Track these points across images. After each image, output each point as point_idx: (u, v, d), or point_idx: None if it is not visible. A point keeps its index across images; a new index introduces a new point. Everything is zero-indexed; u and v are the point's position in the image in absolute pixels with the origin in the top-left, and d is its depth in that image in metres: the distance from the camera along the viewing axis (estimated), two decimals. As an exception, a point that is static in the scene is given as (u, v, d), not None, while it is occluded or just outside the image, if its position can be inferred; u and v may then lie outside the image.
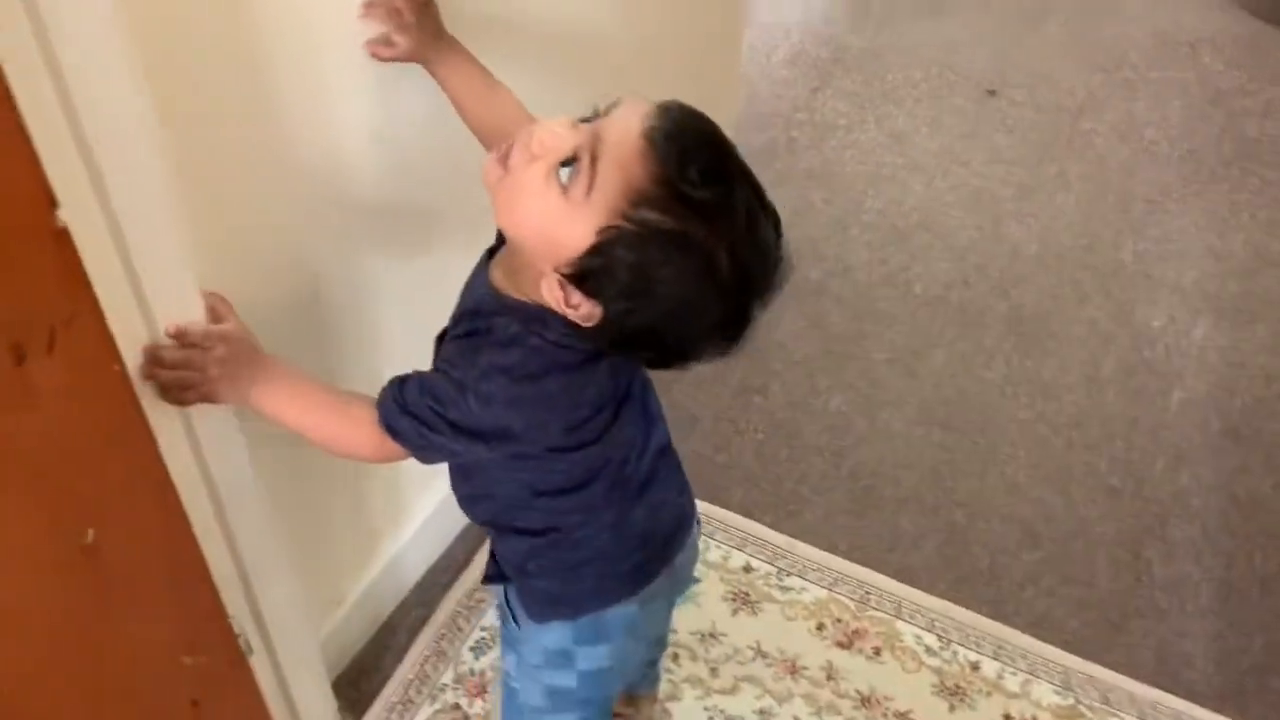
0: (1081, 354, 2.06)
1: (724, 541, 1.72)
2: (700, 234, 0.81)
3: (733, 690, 1.55)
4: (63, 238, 0.67)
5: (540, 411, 0.91)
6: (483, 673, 1.53)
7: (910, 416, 1.95)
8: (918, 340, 2.08)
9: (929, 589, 1.68)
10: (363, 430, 0.92)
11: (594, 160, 0.82)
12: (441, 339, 0.99)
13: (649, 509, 1.06)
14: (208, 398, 0.88)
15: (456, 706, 1.50)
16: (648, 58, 1.78)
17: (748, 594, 1.66)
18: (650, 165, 0.80)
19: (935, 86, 2.70)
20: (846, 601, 1.66)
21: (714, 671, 1.56)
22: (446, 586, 1.64)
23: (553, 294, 0.85)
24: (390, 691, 1.51)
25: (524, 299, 0.90)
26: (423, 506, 1.58)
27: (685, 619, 1.61)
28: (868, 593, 1.67)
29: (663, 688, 1.50)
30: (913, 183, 2.43)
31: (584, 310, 0.85)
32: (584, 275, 0.83)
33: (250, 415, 1.04)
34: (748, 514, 1.78)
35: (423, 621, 1.59)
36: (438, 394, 0.89)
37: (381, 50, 1.07)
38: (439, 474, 1.53)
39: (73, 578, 0.79)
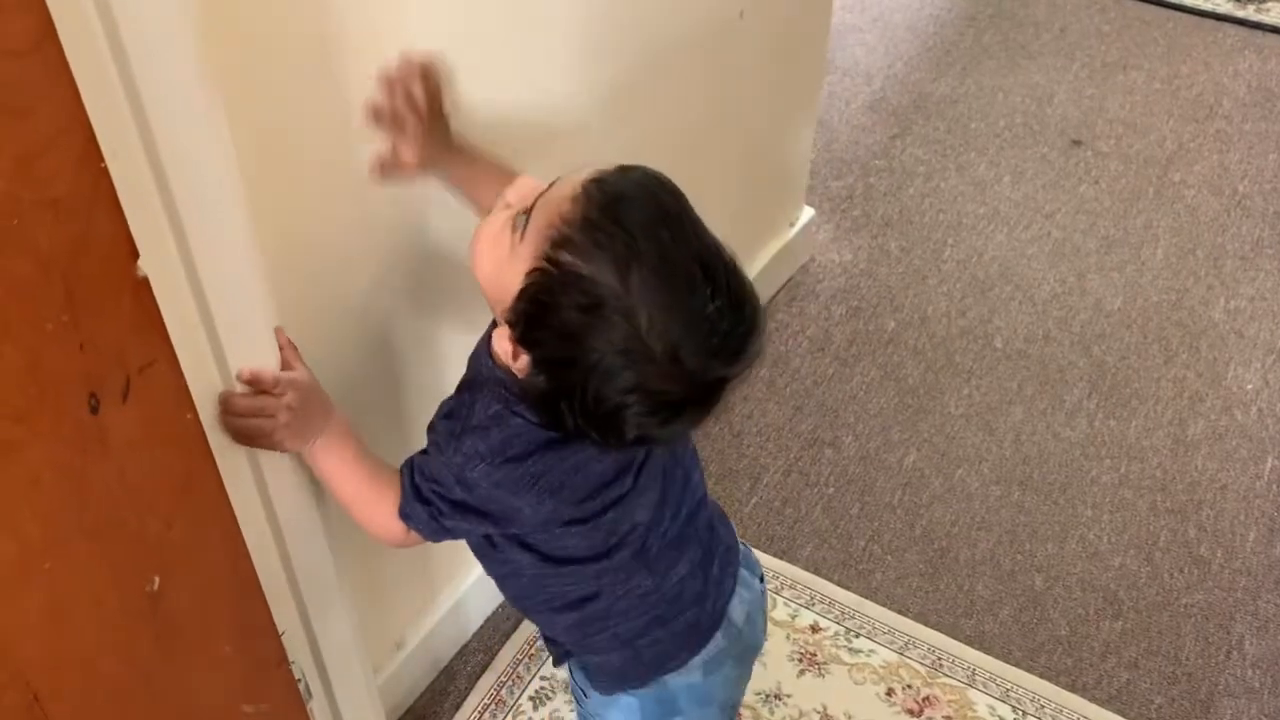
0: (1168, 414, 1.99)
1: (791, 599, 1.68)
2: (612, 284, 0.77)
3: (797, 755, 1.50)
4: (142, 288, 0.68)
5: (531, 493, 0.88)
6: (542, 724, 1.51)
7: (987, 475, 1.89)
8: (996, 396, 2.02)
9: (1004, 657, 1.62)
10: (378, 514, 0.94)
11: (534, 208, 0.82)
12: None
13: (690, 565, 1.02)
14: (274, 445, 0.88)
15: (514, 758, 1.48)
16: (728, 105, 1.77)
17: (815, 654, 1.61)
18: (576, 209, 0.79)
19: (1019, 135, 2.65)
20: (917, 666, 1.60)
21: (778, 734, 1.52)
22: (507, 635, 1.62)
23: (502, 347, 0.85)
24: (448, 739, 1.49)
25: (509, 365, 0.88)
26: (487, 551, 1.57)
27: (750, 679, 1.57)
28: (940, 658, 1.61)
29: (725, 749, 1.46)
30: (994, 233, 2.38)
31: (520, 362, 0.84)
32: (516, 322, 0.82)
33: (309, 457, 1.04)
34: (816, 571, 1.73)
35: (483, 668, 1.58)
36: (437, 476, 0.89)
37: (386, 169, 0.98)
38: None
39: (136, 625, 0.78)
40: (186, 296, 0.73)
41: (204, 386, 0.77)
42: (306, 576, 1.02)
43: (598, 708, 1.08)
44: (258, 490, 0.90)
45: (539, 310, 0.80)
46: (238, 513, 0.86)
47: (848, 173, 2.53)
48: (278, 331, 0.92)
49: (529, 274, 0.80)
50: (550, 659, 1.15)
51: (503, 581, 1.05)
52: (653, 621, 1.01)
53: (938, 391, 2.03)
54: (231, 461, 0.85)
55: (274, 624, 0.95)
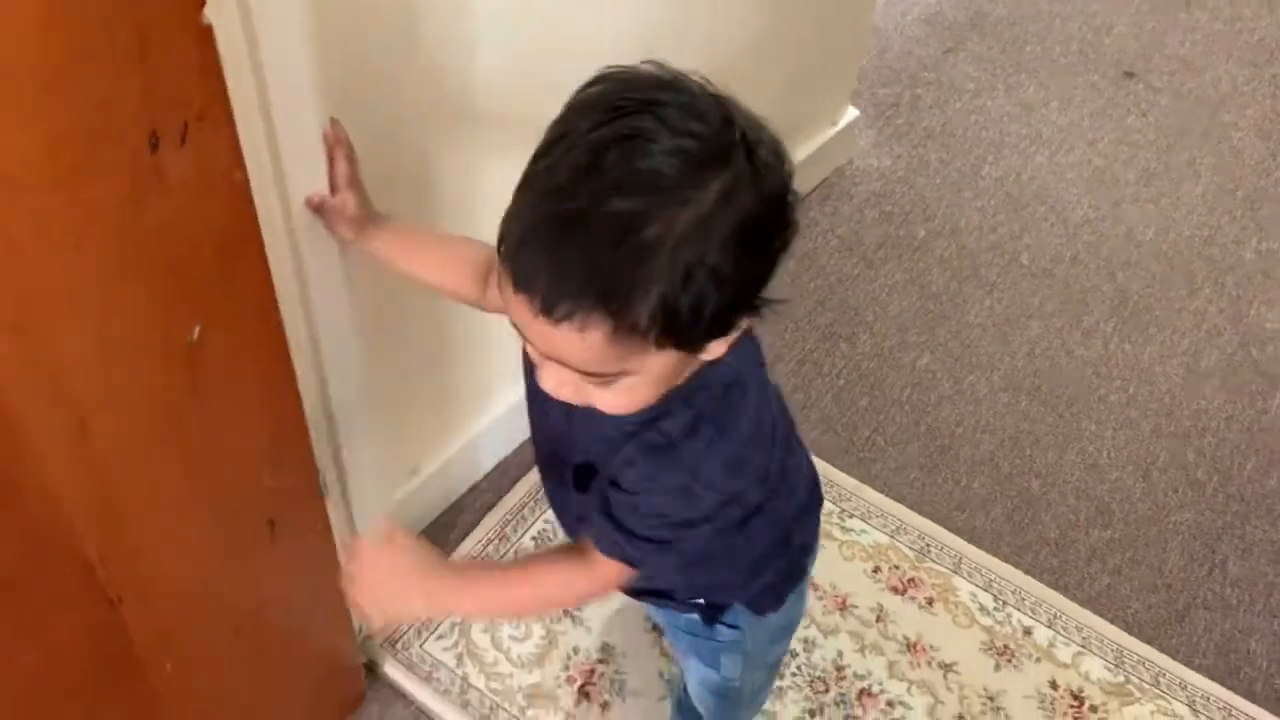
0: (1184, 344, 2.01)
1: (792, 475, 1.73)
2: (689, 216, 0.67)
3: (781, 616, 1.56)
4: (205, 36, 0.71)
5: (754, 453, 0.86)
6: (541, 563, 1.58)
7: (997, 383, 1.92)
8: (1016, 309, 2.05)
9: (992, 551, 1.67)
10: (582, 578, 0.88)
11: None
12: (580, 482, 0.90)
13: (800, 458, 1.04)
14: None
15: (512, 590, 1.55)
16: (779, 8, 1.77)
17: (808, 528, 1.67)
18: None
19: (1072, 62, 2.63)
20: (906, 550, 1.66)
21: (765, 596, 1.58)
22: (515, 479, 1.69)
23: (725, 346, 0.75)
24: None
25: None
26: (505, 399, 1.63)
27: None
28: (929, 545, 1.67)
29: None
30: (1035, 154, 2.37)
31: (713, 348, 0.75)
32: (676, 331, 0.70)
33: (356, 266, 1.09)
34: (817, 454, 1.77)
35: (489, 507, 1.65)
36: (660, 510, 0.83)
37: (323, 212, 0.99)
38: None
39: (176, 372, 0.83)
40: (242, 55, 0.77)
41: (252, 148, 0.81)
42: (333, 368, 1.08)
43: (754, 629, 1.06)
44: (297, 275, 0.94)
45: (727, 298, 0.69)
46: (276, 285, 0.91)
47: (896, 82, 2.52)
48: (333, 124, 0.96)
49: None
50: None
51: (689, 581, 1.01)
52: (802, 510, 1.04)
53: (959, 300, 2.06)
54: (273, 235, 0.89)
55: (300, 402, 1.01)
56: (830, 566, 1.62)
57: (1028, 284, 2.10)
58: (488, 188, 1.30)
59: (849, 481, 1.74)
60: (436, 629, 1.50)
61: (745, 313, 0.72)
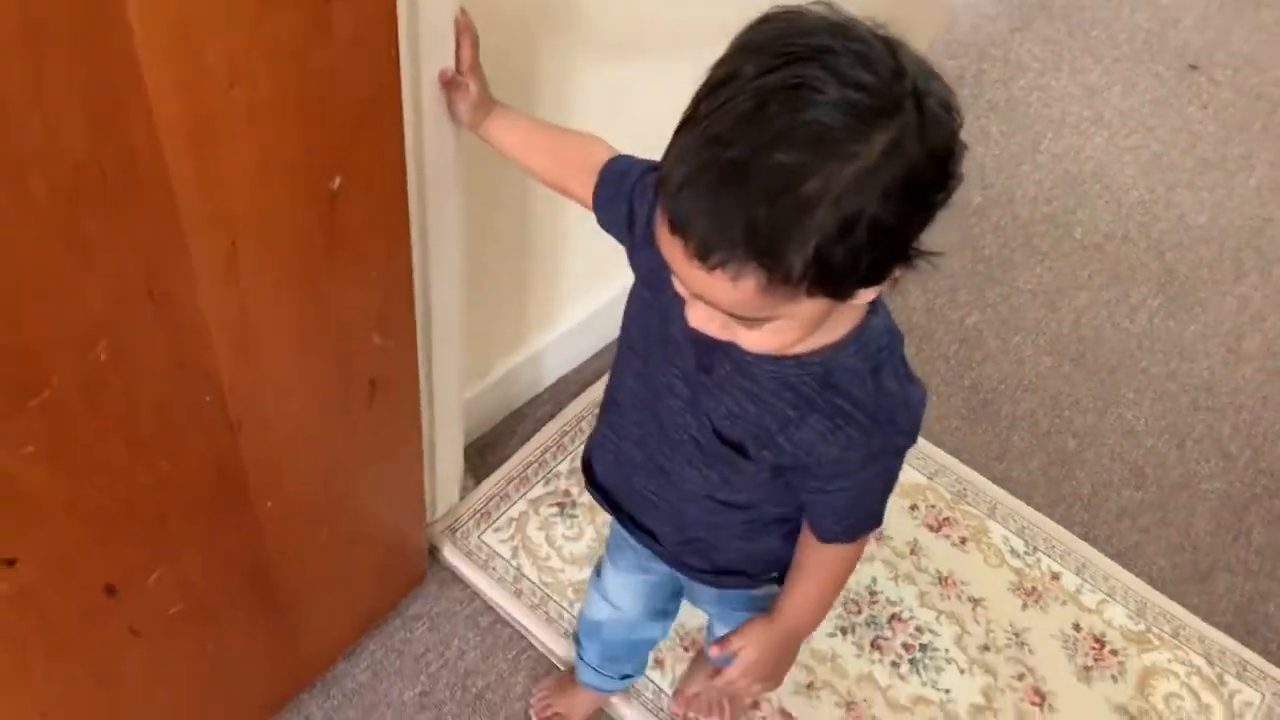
0: (1226, 325, 2.06)
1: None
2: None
3: (820, 541, 1.63)
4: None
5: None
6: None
7: (1042, 346, 1.98)
8: (1065, 280, 2.10)
9: (1025, 500, 1.74)
10: (856, 552, 0.95)
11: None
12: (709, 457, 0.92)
13: None
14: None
15: (566, 493, 1.63)
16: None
17: (851, 464, 1.74)
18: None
19: (1137, 49, 2.67)
20: (943, 491, 1.73)
21: (806, 521, 1.65)
22: (575, 394, 1.76)
23: (866, 299, 0.74)
24: (511, 466, 1.64)
25: (819, 349, 0.79)
26: (574, 314, 1.70)
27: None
28: (965, 489, 1.73)
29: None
30: (1095, 135, 2.42)
31: (864, 295, 0.73)
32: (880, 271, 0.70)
33: (466, 151, 1.16)
34: (866, 397, 1.85)
35: (550, 417, 1.72)
36: (889, 477, 0.88)
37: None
38: (595, 286, 1.66)
39: (315, 217, 0.91)
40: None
41: (403, 27, 0.89)
42: (434, 250, 1.15)
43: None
44: (415, 157, 1.01)
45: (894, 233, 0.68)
46: (406, 157, 0.98)
47: (963, 55, 2.57)
48: (462, 13, 1.02)
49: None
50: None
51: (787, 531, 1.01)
52: None
53: (1010, 266, 2.11)
54: (410, 110, 0.96)
55: (412, 273, 1.08)
56: (870, 500, 1.69)
57: (1079, 257, 2.15)
58: (587, 89, 1.37)
59: (893, 424, 1.80)
60: (495, 521, 1.58)
61: (901, 264, 0.71)
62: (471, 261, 1.34)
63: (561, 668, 1.46)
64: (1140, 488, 1.79)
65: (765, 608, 1.02)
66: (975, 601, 1.60)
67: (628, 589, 1.20)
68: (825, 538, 0.93)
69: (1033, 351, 1.97)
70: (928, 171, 0.66)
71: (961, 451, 1.79)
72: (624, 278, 0.93)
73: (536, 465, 1.65)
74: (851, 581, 1.59)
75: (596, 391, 1.75)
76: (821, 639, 1.53)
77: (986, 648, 1.55)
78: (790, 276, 0.66)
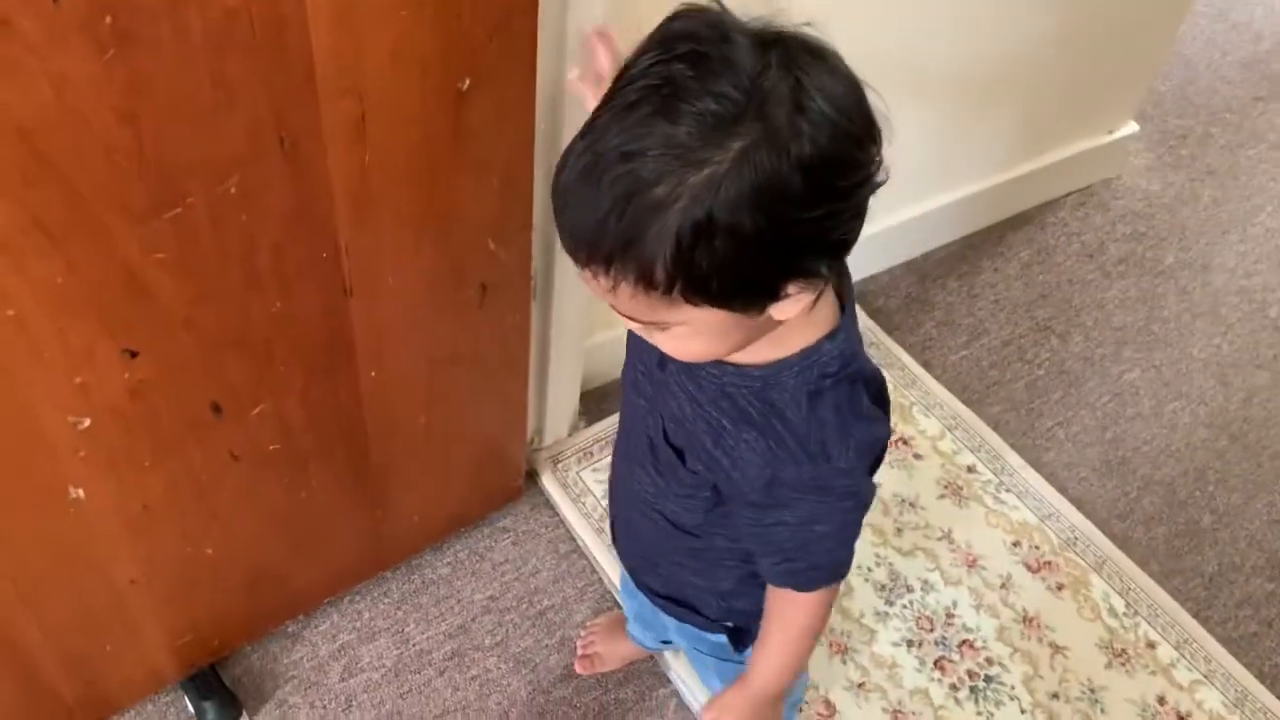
0: None
1: (959, 439, 1.77)
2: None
3: (909, 553, 1.62)
4: None
5: (876, 439, 0.83)
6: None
7: (1201, 417, 1.87)
8: (1246, 356, 1.98)
9: (1140, 565, 1.66)
10: (818, 605, 0.91)
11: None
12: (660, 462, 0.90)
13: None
14: None
15: (670, 452, 1.69)
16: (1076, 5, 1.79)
17: (961, 489, 1.71)
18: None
19: (1396, 139, 2.46)
20: (1052, 535, 1.67)
21: (898, 531, 1.64)
22: (703, 365, 1.81)
23: (792, 312, 0.72)
24: (623, 416, 1.71)
25: (766, 363, 0.79)
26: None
27: (893, 480, 1.70)
28: (1076, 537, 1.67)
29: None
30: (1320, 218, 2.26)
31: (780, 309, 0.71)
32: (811, 271, 0.69)
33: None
34: (994, 429, 1.81)
35: (672, 380, 1.78)
36: (836, 521, 0.84)
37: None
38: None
39: (444, 110, 1.01)
40: None
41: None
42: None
43: None
44: (552, 76, 1.10)
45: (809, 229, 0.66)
46: (538, 75, 1.07)
47: (1192, 115, 2.45)
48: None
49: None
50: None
51: (737, 591, 1.01)
52: None
53: (1188, 332, 2.01)
54: (546, 43, 1.05)
55: (532, 190, 1.17)
56: (969, 526, 1.66)
57: (1267, 336, 2.02)
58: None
59: (1015, 459, 1.76)
60: (595, 461, 1.66)
61: (792, 277, 0.68)
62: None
63: (622, 610, 1.52)
64: (1273, 579, 1.67)
65: (725, 658, 1.04)
66: (1056, 648, 1.54)
67: (628, 584, 1.20)
68: (771, 579, 0.90)
69: (1189, 420, 1.87)
70: (791, 181, 0.63)
71: (1084, 502, 1.73)
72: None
73: (647, 420, 1.72)
74: (931, 599, 1.58)
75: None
76: (885, 645, 1.52)
77: (1056, 695, 1.50)
78: (653, 281, 0.65)
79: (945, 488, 1.71)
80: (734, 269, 0.65)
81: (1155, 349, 1.97)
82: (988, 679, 1.51)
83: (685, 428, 0.85)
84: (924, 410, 1.81)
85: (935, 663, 1.51)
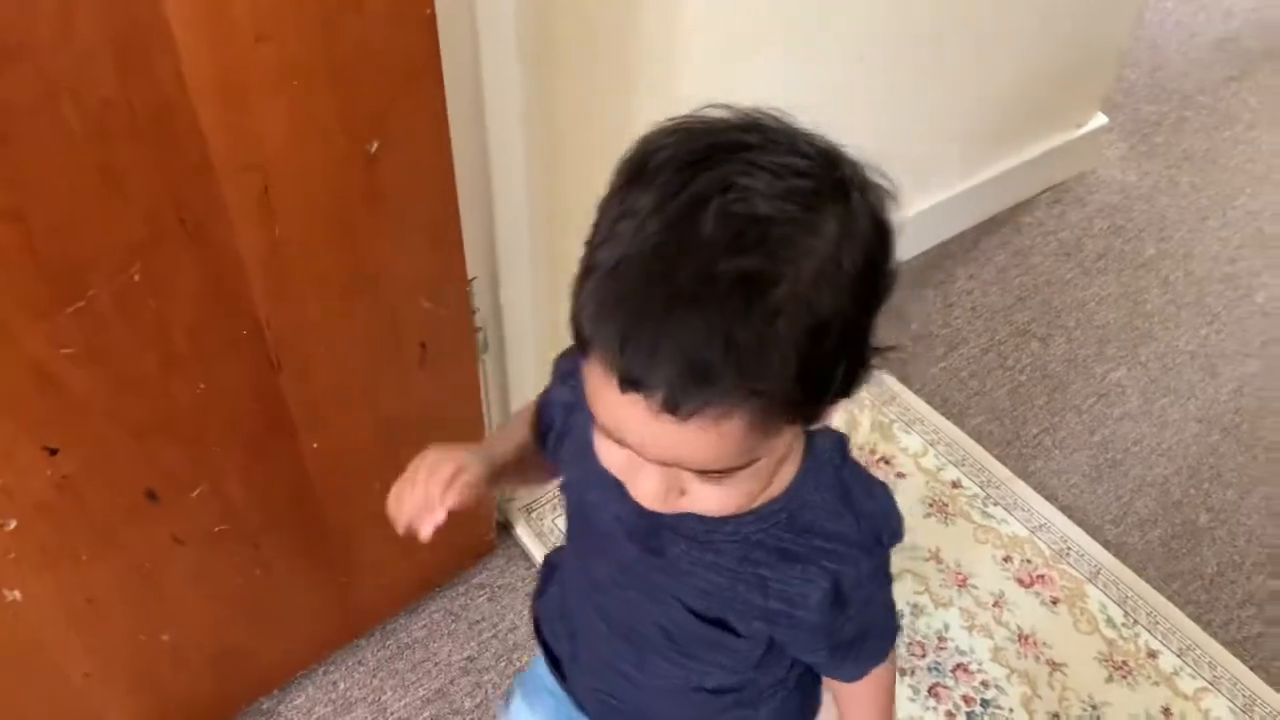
0: None
1: (942, 454, 1.73)
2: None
3: (895, 577, 1.55)
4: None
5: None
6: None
7: (1191, 412, 1.83)
8: (1234, 345, 1.93)
9: (1137, 571, 1.61)
10: (891, 667, 0.87)
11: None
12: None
13: None
14: None
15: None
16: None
17: (946, 505, 1.67)
18: None
19: (1375, 109, 2.42)
20: (1043, 547, 1.62)
21: (885, 555, 1.60)
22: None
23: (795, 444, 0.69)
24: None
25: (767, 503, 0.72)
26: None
27: (877, 501, 1.65)
28: (1069, 548, 1.63)
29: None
30: (1302, 196, 2.21)
31: (830, 413, 0.64)
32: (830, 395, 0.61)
33: (533, 118, 1.21)
34: (978, 440, 1.77)
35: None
36: (887, 583, 0.80)
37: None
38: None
39: (353, 175, 0.98)
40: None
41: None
42: (502, 218, 1.21)
43: None
44: (475, 121, 1.08)
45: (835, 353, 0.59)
46: (451, 128, 1.05)
47: (1165, 101, 2.41)
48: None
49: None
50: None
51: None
52: None
53: (1173, 324, 1.96)
54: (455, 69, 1.02)
55: (461, 241, 1.15)
56: (958, 544, 1.62)
57: (1255, 323, 1.97)
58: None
59: (1002, 471, 1.72)
60: (569, 507, 1.63)
61: (869, 367, 0.62)
62: (552, 248, 1.39)
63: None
64: (1275, 576, 1.62)
65: None
66: (1055, 666, 1.50)
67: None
68: (854, 677, 0.84)
69: (1180, 416, 1.82)
70: (879, 247, 0.60)
71: (1074, 510, 1.68)
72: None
73: (620, 460, 1.68)
74: (922, 624, 1.53)
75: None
76: (876, 675, 1.48)
77: (1057, 715, 1.45)
78: (778, 398, 0.56)
79: (930, 505, 1.67)
80: (843, 364, 0.59)
81: (1140, 345, 1.93)
82: (985, 703, 1.46)
83: (722, 597, 0.75)
84: (904, 427, 1.77)
85: (929, 690, 1.47)
